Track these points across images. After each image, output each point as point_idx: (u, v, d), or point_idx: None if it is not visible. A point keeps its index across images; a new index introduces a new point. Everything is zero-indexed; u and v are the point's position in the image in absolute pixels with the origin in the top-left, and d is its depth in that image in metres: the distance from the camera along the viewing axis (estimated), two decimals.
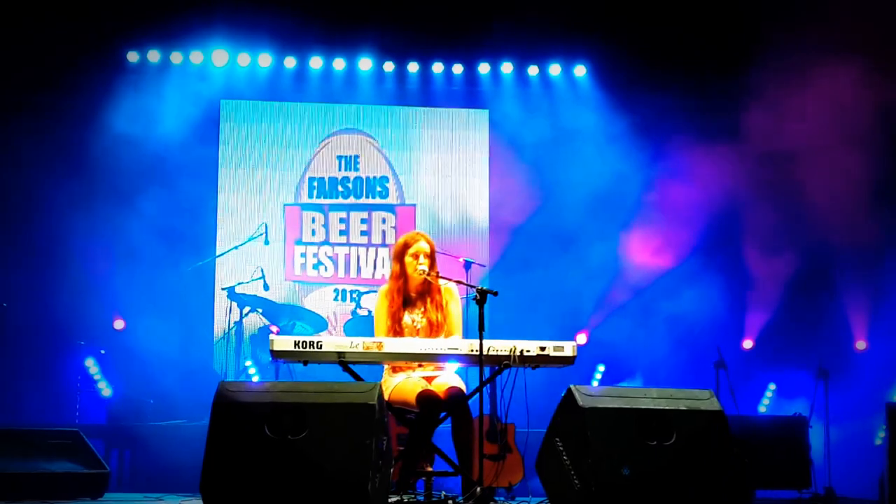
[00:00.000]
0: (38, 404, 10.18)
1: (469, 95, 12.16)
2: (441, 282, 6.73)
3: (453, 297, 6.76)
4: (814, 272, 11.06)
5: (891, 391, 10.49)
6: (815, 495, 8.89)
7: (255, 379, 10.12)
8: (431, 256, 6.73)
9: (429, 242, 6.76)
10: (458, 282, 6.76)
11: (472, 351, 6.07)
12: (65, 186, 10.90)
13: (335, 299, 11.74)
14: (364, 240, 11.90)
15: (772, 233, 10.93)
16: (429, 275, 6.62)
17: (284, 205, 11.84)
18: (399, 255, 6.75)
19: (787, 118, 10.61)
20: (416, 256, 6.67)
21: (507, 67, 12.09)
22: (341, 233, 11.88)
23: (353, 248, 11.87)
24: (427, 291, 6.74)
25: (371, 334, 6.46)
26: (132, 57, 11.54)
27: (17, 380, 10.19)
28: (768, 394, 11.02)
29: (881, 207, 10.67)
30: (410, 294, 6.75)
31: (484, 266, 10.53)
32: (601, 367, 11.12)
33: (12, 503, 5.91)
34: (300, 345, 6.06)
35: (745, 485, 7.22)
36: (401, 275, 6.72)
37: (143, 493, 7.94)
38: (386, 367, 6.66)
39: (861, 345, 11.02)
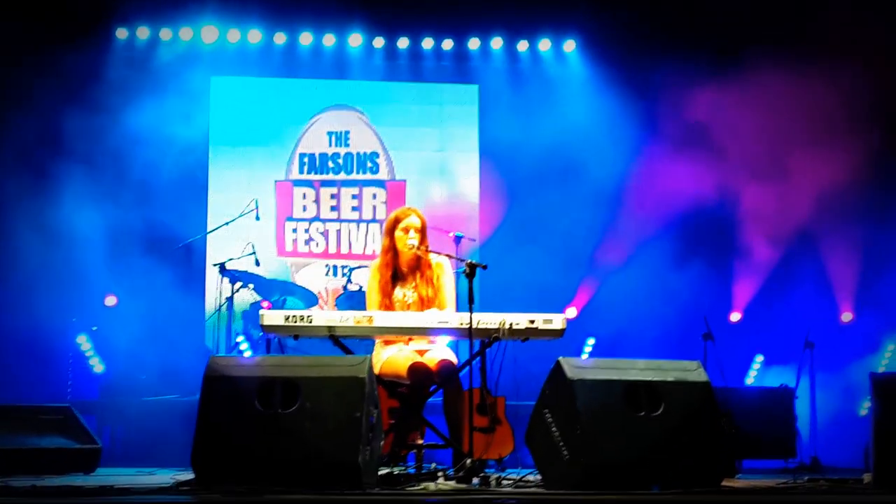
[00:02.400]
0: (30, 381, 10.18)
1: (459, 70, 12.16)
2: (432, 256, 6.77)
3: (444, 272, 6.79)
4: (800, 245, 11.11)
5: (876, 362, 10.57)
6: (801, 465, 8.98)
7: (247, 354, 10.14)
8: (422, 231, 6.76)
9: (419, 217, 6.79)
10: (449, 256, 6.80)
11: (461, 324, 6.11)
12: (54, 163, 10.89)
13: (326, 275, 11.78)
14: (355, 215, 11.92)
15: (759, 206, 10.97)
16: (419, 249, 6.66)
17: (275, 181, 11.85)
18: (390, 230, 6.79)
19: (778, 95, 10.64)
20: (406, 231, 6.70)
21: (496, 43, 12.09)
22: (332, 209, 11.90)
23: (344, 224, 11.90)
24: (418, 267, 6.77)
25: (362, 310, 6.49)
26: (121, 34, 11.52)
27: (8, 357, 10.20)
28: (755, 366, 11.08)
29: (868, 181, 10.72)
30: (401, 269, 6.78)
31: (474, 240, 10.57)
32: (591, 341, 11.17)
33: (4, 478, 5.94)
34: (291, 319, 6.10)
35: (732, 455, 7.28)
36: (390, 249, 6.76)
37: (135, 467, 7.97)
38: (377, 340, 6.71)
39: (847, 317, 11.08)
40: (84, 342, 10.53)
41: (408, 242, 6.66)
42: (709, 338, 9.73)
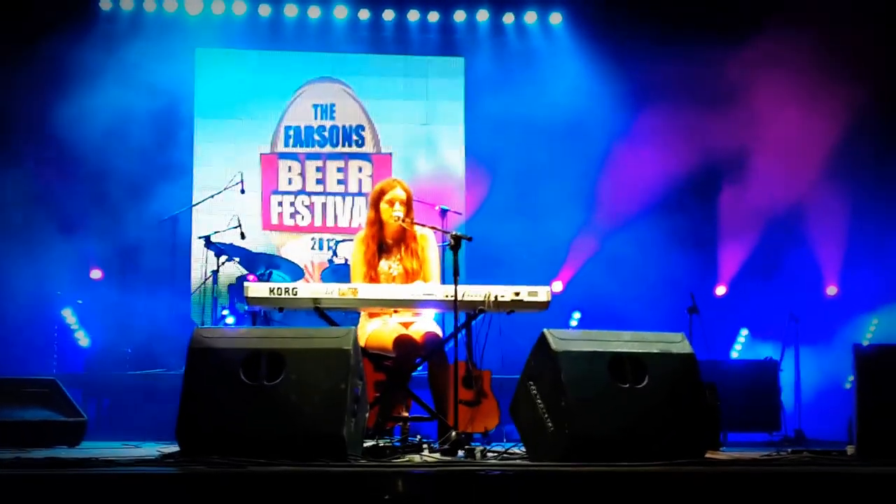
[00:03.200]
0: (15, 354, 10.17)
1: (445, 43, 12.13)
2: (417, 229, 6.76)
3: (429, 244, 6.78)
4: (786, 219, 11.13)
5: (860, 335, 10.61)
6: (786, 438, 9.03)
7: None
8: (408, 204, 6.75)
9: (405, 190, 6.77)
10: (434, 228, 6.79)
11: (447, 297, 6.11)
12: (39, 137, 10.87)
13: (312, 248, 11.77)
14: (341, 188, 11.90)
15: (744, 180, 10.98)
16: (404, 221, 6.65)
17: (260, 154, 11.82)
18: (375, 202, 6.77)
19: (763, 67, 10.64)
20: (391, 203, 6.69)
21: (482, 15, 12.07)
22: (318, 181, 11.88)
23: (330, 197, 11.88)
24: (403, 239, 6.76)
25: (348, 283, 6.48)
26: (105, 5, 11.47)
27: None
28: (740, 339, 11.12)
29: (852, 155, 10.74)
30: (386, 241, 6.77)
31: (460, 214, 10.55)
32: (577, 314, 11.19)
33: None
34: (276, 291, 6.09)
35: (717, 427, 7.31)
36: (376, 221, 6.74)
37: (121, 440, 7.96)
38: (362, 313, 6.70)
39: (832, 290, 11.13)
40: (69, 315, 10.51)
41: (393, 214, 6.65)
42: (694, 311, 9.76)
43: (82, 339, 10.54)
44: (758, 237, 11.25)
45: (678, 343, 5.66)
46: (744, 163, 10.97)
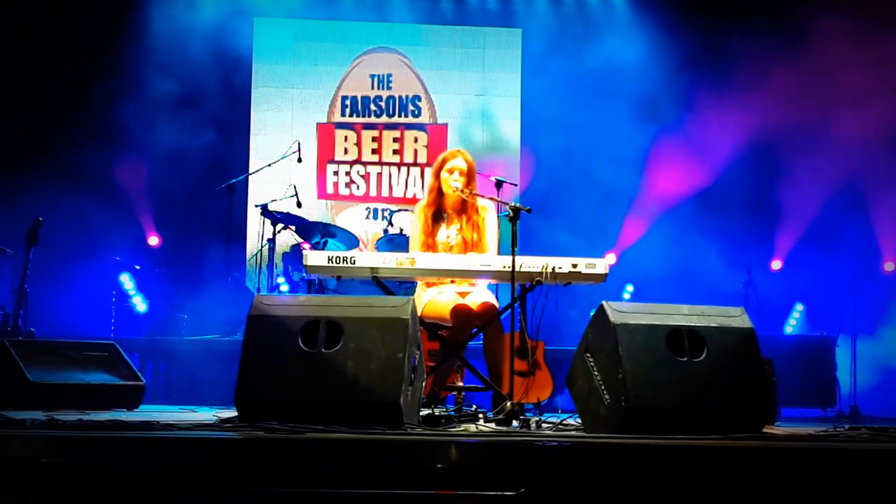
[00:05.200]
0: (75, 318, 10.31)
1: (502, 14, 12.09)
2: (478, 200, 6.77)
3: (489, 214, 6.80)
4: (844, 194, 11.01)
5: None
6: (840, 414, 8.96)
7: None
8: (468, 175, 6.75)
9: (467, 161, 6.78)
10: (492, 199, 6.79)
11: (504, 268, 6.11)
12: (99, 104, 10.97)
13: (366, 218, 11.81)
14: (396, 159, 11.92)
15: (803, 154, 10.87)
16: (462, 192, 6.66)
17: (317, 123, 11.86)
18: (437, 171, 6.81)
19: (827, 45, 10.51)
20: (450, 172, 6.71)
21: None
22: (373, 151, 11.91)
23: (385, 167, 11.91)
24: (464, 210, 6.78)
25: (402, 252, 6.50)
26: None
27: (53, 294, 10.31)
28: (795, 314, 11.04)
29: None
30: (447, 210, 6.80)
31: (515, 185, 10.53)
32: (629, 287, 11.15)
33: (50, 412, 6.03)
34: (334, 260, 6.12)
35: (774, 402, 7.27)
36: (435, 189, 6.77)
37: (177, 405, 8.06)
38: (419, 282, 6.73)
39: (889, 266, 10.99)
40: (127, 281, 10.63)
41: (451, 184, 6.67)
42: (750, 286, 9.69)
43: (139, 304, 10.66)
44: (815, 211, 11.14)
45: (738, 317, 5.62)
46: (802, 136, 10.85)
